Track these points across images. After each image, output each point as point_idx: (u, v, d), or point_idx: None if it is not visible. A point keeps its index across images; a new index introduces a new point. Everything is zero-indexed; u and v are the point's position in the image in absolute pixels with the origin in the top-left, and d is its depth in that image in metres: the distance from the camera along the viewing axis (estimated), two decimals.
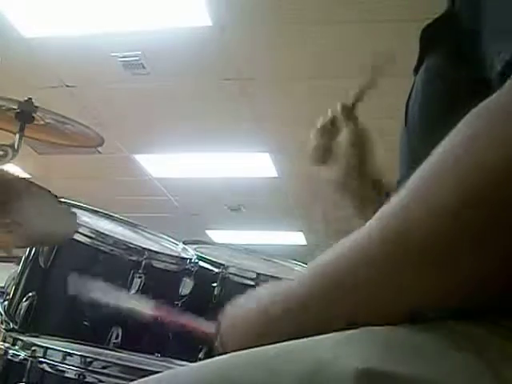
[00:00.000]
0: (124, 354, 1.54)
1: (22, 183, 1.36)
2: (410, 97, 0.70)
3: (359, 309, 0.48)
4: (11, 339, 1.43)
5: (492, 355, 0.42)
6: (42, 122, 1.73)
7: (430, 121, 0.64)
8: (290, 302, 0.53)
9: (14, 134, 1.70)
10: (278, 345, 0.47)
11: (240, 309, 0.61)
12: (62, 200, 1.77)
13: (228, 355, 0.48)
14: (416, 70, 0.70)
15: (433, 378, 0.41)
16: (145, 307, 0.93)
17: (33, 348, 1.35)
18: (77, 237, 1.67)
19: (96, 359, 1.32)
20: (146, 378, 0.51)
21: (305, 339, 0.47)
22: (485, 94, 0.46)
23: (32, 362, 1.33)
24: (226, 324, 0.62)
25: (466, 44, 0.56)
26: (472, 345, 0.43)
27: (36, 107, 1.68)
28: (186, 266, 1.83)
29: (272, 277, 1.89)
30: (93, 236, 1.69)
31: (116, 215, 1.99)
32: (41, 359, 1.33)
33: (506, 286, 0.43)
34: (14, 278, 1.80)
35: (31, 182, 1.36)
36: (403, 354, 0.43)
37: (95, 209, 1.94)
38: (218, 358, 0.48)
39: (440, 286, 0.44)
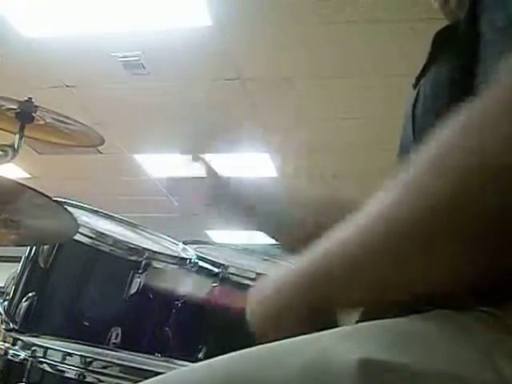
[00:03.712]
0: (124, 354, 1.54)
1: (17, 186, 1.36)
2: (416, 102, 0.70)
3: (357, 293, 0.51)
4: (11, 339, 1.43)
5: (488, 346, 0.44)
6: (42, 122, 1.73)
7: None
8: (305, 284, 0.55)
9: (14, 134, 1.70)
10: (280, 341, 0.48)
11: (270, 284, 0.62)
12: (62, 200, 1.76)
13: (231, 354, 0.49)
14: (419, 78, 0.70)
15: (431, 368, 0.42)
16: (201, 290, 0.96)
17: (33, 348, 1.35)
18: (77, 237, 1.67)
19: (96, 359, 1.32)
20: (150, 380, 0.51)
21: (307, 335, 0.48)
22: None
23: (32, 362, 1.32)
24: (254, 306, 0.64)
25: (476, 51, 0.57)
26: (469, 336, 0.45)
27: (36, 107, 1.67)
28: (186, 266, 1.83)
29: None
30: (93, 236, 1.69)
31: (116, 215, 1.99)
32: (41, 359, 1.33)
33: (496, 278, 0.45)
34: (13, 278, 1.79)
35: (27, 186, 1.36)
36: (403, 345, 0.44)
37: (95, 209, 1.94)
38: (221, 357, 0.48)
39: (423, 274, 0.46)
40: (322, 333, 0.47)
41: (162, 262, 1.77)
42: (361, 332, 0.46)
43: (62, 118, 1.74)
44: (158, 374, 1.30)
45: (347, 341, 0.45)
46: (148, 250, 1.74)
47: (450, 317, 0.46)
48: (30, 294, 1.66)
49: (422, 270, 0.46)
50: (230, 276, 1.86)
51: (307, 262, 0.56)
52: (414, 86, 0.73)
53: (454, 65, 0.64)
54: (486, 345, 0.44)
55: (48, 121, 1.68)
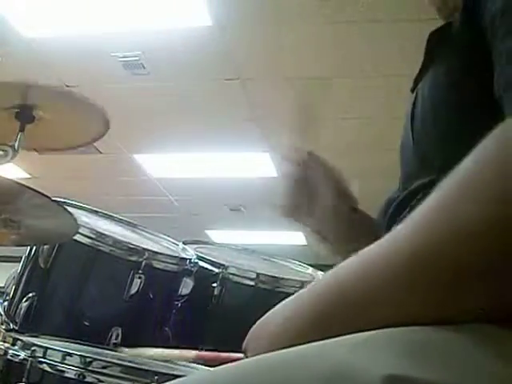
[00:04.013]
0: (124, 354, 1.54)
1: (17, 186, 1.36)
2: (414, 104, 0.70)
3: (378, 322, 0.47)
4: (11, 339, 1.43)
5: None
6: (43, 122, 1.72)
7: (445, 128, 0.64)
8: (307, 320, 0.53)
9: (14, 134, 1.70)
10: (294, 349, 0.46)
11: (265, 323, 0.61)
12: (62, 200, 1.76)
13: (244, 361, 0.47)
14: (417, 80, 0.70)
15: None
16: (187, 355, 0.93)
17: (33, 348, 1.35)
18: (77, 237, 1.67)
19: (96, 359, 1.32)
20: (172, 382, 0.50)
21: (321, 342, 0.46)
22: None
23: (32, 362, 1.32)
24: (251, 339, 0.62)
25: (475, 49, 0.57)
26: (502, 351, 0.42)
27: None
28: (186, 267, 1.83)
29: (272, 277, 1.89)
30: (93, 236, 1.69)
31: (116, 215, 1.99)
32: (41, 359, 1.33)
33: None
34: (13, 278, 1.80)
35: (27, 186, 1.36)
36: (429, 359, 0.41)
37: (95, 209, 1.94)
38: (233, 364, 0.47)
39: (452, 307, 0.44)
40: (337, 342, 0.45)
41: (162, 262, 1.77)
42: (378, 342, 0.43)
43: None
44: (157, 373, 1.31)
45: (368, 353, 0.42)
46: (148, 250, 1.74)
47: (480, 329, 0.44)
48: (30, 294, 1.66)
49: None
50: (230, 276, 1.86)
51: (310, 299, 0.54)
52: (412, 90, 0.73)
53: (451, 66, 0.63)
54: None
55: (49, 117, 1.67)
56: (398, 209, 0.68)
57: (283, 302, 0.60)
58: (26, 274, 1.73)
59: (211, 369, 0.49)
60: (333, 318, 0.51)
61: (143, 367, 1.39)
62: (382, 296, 0.47)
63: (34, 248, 1.72)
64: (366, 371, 0.40)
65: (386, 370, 0.40)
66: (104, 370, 1.31)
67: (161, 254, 1.79)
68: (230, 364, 0.47)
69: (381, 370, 0.40)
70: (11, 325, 1.63)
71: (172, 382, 0.49)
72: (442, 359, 0.41)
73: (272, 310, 0.60)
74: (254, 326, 0.62)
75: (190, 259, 1.85)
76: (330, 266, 0.56)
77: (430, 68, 0.68)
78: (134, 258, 1.71)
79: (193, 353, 0.88)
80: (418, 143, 0.69)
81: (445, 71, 0.65)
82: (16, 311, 1.65)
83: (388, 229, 0.67)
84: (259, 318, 0.62)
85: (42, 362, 1.32)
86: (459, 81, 0.62)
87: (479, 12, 0.57)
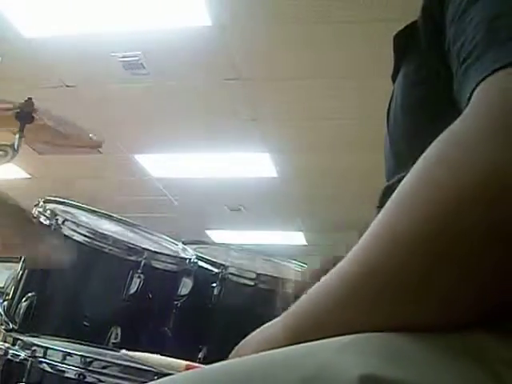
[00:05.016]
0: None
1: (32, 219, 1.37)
2: (390, 103, 0.71)
3: None
4: (11, 339, 1.43)
5: (493, 361, 0.42)
6: (42, 123, 1.73)
7: (413, 125, 0.65)
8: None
9: (14, 134, 1.70)
10: (276, 351, 0.47)
11: (248, 340, 0.62)
12: (61, 200, 1.77)
13: (225, 362, 0.48)
14: (394, 77, 0.71)
15: None
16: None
17: (33, 348, 1.35)
18: (76, 237, 1.68)
19: (96, 359, 1.32)
20: (165, 378, 0.50)
21: (304, 344, 0.46)
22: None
23: (32, 362, 1.33)
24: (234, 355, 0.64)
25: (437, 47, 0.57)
26: (473, 350, 0.43)
27: (35, 109, 1.68)
28: (186, 266, 1.83)
29: (272, 277, 1.89)
30: (92, 236, 1.69)
31: (116, 215, 1.99)
32: (41, 359, 1.33)
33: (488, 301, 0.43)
34: (13, 278, 1.79)
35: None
36: (406, 361, 0.42)
37: (95, 209, 1.94)
38: (215, 365, 0.47)
39: (405, 318, 0.45)
40: (319, 343, 0.46)
41: (162, 261, 1.77)
42: (359, 345, 0.44)
43: (61, 121, 1.75)
44: (157, 373, 1.31)
45: (348, 354, 0.43)
46: (147, 249, 1.75)
47: (458, 333, 0.44)
48: (30, 294, 1.66)
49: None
50: (230, 276, 1.86)
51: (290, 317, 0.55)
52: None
53: (417, 64, 0.64)
54: (495, 363, 0.42)
55: (48, 123, 1.68)
56: (379, 206, 0.69)
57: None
58: (25, 273, 1.73)
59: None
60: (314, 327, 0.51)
61: (143, 367, 1.39)
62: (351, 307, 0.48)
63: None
64: (346, 371, 0.41)
65: (363, 369, 0.41)
66: (104, 370, 1.31)
67: (160, 253, 1.79)
68: (217, 363, 0.47)
69: (359, 370, 0.41)
70: (11, 325, 1.63)
71: (160, 380, 0.49)
72: (419, 362, 0.42)
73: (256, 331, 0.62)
74: (239, 345, 0.64)
75: (190, 259, 1.85)
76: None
77: (401, 67, 0.69)
78: (133, 258, 1.71)
79: (183, 364, 0.88)
80: (392, 140, 0.70)
81: (412, 69, 0.66)
82: (16, 311, 1.65)
83: None
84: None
85: (42, 362, 1.33)
86: (425, 78, 0.62)
87: (438, 9, 0.57)
